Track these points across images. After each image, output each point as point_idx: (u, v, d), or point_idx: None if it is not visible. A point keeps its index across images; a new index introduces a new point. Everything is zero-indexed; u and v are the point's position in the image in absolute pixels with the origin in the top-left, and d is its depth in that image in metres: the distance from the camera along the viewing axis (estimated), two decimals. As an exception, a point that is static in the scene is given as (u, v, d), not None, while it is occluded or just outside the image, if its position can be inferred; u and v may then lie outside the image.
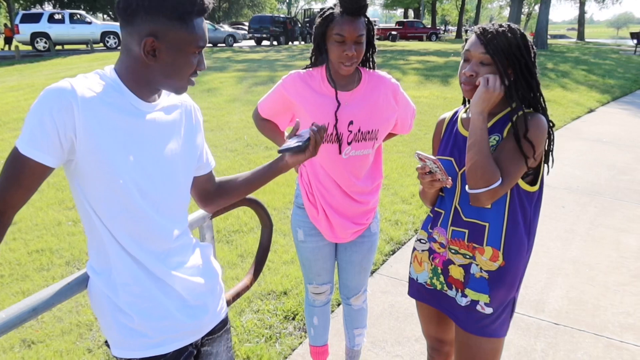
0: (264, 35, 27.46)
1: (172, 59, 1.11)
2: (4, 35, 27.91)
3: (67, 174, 1.13)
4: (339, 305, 3.00)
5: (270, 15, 31.11)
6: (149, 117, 1.17)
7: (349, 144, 1.88)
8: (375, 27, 1.92)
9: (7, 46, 26.45)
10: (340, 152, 1.89)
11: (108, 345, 1.26)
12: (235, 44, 26.37)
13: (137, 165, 1.13)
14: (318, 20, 1.82)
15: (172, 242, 1.24)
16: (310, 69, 1.94)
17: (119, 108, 1.11)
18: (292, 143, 1.35)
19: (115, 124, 1.10)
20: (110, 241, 1.17)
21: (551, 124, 1.56)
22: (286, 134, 2.09)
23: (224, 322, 1.42)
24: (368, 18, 1.81)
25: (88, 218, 1.16)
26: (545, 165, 1.59)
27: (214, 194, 1.44)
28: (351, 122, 1.87)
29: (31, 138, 1.01)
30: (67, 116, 1.02)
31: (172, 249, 1.24)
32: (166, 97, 1.25)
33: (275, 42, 27.15)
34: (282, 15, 32.56)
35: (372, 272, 3.44)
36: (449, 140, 1.68)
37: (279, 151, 1.35)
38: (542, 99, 1.55)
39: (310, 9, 35.99)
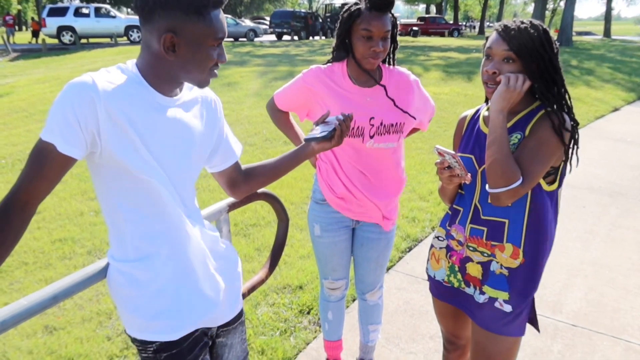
0: (285, 30, 27.45)
1: (192, 54, 1.12)
2: (31, 28, 28.46)
3: (91, 166, 1.16)
4: (354, 300, 3.01)
5: (292, 10, 31.16)
6: (170, 111, 1.19)
7: (371, 137, 1.89)
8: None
9: (34, 39, 26.98)
10: (363, 143, 1.90)
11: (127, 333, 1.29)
12: (256, 39, 26.45)
13: (157, 158, 1.15)
14: (344, 15, 1.82)
15: (192, 231, 1.27)
16: (331, 64, 1.95)
17: (140, 102, 1.13)
18: (318, 131, 1.40)
19: (136, 118, 1.12)
20: (135, 229, 1.20)
21: (575, 123, 1.53)
22: (301, 133, 2.10)
23: (239, 314, 1.45)
24: (392, 14, 1.81)
25: (113, 207, 1.19)
26: (569, 164, 1.57)
27: (242, 182, 1.48)
28: (372, 118, 1.87)
29: (55, 130, 1.04)
30: (88, 110, 1.04)
31: (191, 239, 1.27)
32: (188, 92, 1.27)
33: (296, 37, 27.12)
34: (303, 10, 32.50)
35: (388, 269, 3.43)
36: (470, 137, 1.67)
37: (305, 139, 1.41)
38: (567, 96, 1.53)
39: (331, 4, 35.83)
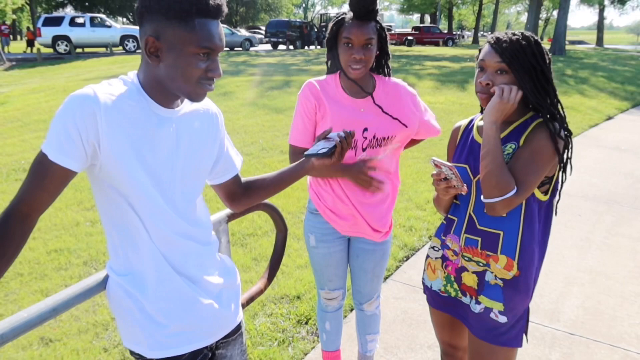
0: (280, 40, 27.61)
1: (173, 60, 1.10)
2: (26, 38, 28.47)
3: (91, 178, 1.16)
4: (352, 310, 3.00)
5: (287, 19, 31.33)
6: (169, 123, 1.19)
7: (363, 150, 1.90)
8: (390, 32, 1.93)
9: (29, 49, 26.97)
10: (355, 156, 1.91)
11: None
12: (251, 48, 26.55)
13: (155, 171, 1.15)
14: (331, 25, 1.85)
15: (191, 247, 1.26)
16: (325, 76, 1.97)
17: (140, 115, 1.13)
18: (319, 147, 1.39)
19: (136, 131, 1.12)
20: (133, 243, 1.19)
21: (569, 133, 1.55)
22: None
23: (239, 325, 1.44)
24: (381, 24, 1.83)
25: (112, 220, 1.18)
26: (563, 173, 1.58)
27: (242, 195, 1.48)
28: (365, 129, 1.88)
29: (56, 143, 1.04)
30: (89, 123, 1.04)
31: (193, 251, 1.26)
32: (188, 104, 1.27)
33: (291, 47, 27.26)
34: (298, 20, 32.73)
35: (386, 278, 3.43)
36: (464, 147, 1.68)
37: (305, 155, 1.39)
38: (560, 106, 1.55)
39: (326, 13, 36.12)
